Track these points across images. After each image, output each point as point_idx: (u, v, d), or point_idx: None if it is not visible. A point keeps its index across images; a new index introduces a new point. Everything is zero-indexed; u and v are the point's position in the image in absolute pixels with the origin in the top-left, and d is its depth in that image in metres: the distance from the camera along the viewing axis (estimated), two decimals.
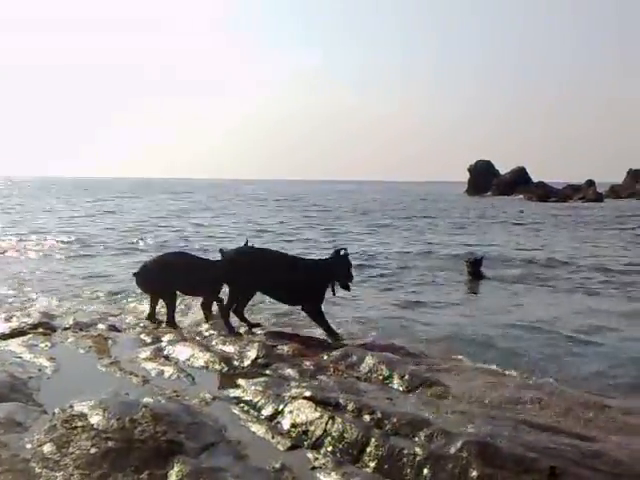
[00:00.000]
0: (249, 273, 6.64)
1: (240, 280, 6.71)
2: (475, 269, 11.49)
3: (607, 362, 6.35)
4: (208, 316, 7.33)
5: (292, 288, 6.82)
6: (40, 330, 6.67)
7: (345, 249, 6.98)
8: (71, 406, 3.99)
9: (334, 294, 6.97)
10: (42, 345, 6.07)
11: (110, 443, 3.57)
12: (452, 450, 3.50)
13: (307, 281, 6.78)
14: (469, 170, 69.08)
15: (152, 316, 7.34)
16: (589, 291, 11.00)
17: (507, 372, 5.70)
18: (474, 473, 3.30)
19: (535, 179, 63.34)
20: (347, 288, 6.89)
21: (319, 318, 6.85)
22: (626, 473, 3.30)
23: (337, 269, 6.82)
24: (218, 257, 6.98)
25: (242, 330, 6.86)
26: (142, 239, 18.87)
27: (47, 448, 3.57)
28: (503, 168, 66.88)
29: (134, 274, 7.37)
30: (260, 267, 6.67)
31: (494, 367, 5.88)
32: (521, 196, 57.26)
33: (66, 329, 6.84)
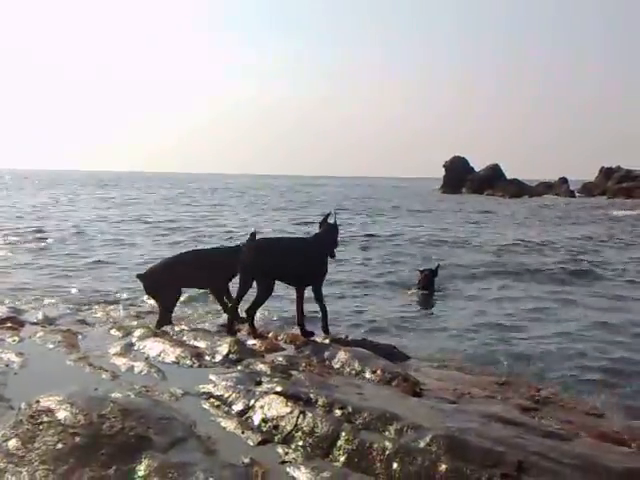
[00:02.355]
0: (279, 261, 6.37)
1: (273, 270, 6.38)
2: (429, 280, 10.59)
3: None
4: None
5: (309, 269, 6.60)
6: (8, 324, 6.57)
7: (331, 214, 6.79)
8: (37, 401, 3.92)
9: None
10: (10, 340, 5.98)
11: (77, 438, 3.52)
12: (421, 444, 3.52)
13: (317, 258, 6.60)
14: (444, 166, 69.35)
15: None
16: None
17: (478, 369, 5.75)
18: (443, 467, 3.31)
19: (509, 176, 63.87)
20: (333, 255, 6.74)
21: (322, 297, 6.65)
22: (591, 468, 3.34)
23: (330, 238, 6.67)
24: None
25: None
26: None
27: (12, 443, 3.51)
28: (479, 165, 67.25)
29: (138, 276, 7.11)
30: (286, 255, 6.47)
31: (465, 364, 5.94)
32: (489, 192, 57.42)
33: (35, 324, 6.75)
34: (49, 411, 3.80)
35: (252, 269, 6.32)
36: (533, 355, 6.56)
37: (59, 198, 39.01)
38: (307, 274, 6.60)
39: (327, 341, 6.22)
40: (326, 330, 6.58)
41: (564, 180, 60.98)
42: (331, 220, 6.75)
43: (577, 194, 57.37)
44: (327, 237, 6.69)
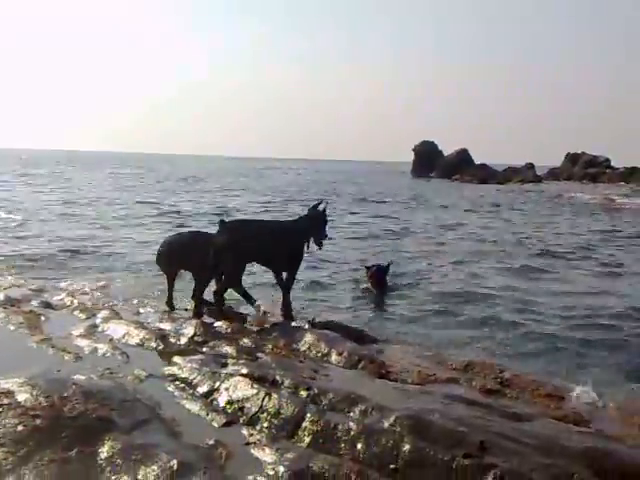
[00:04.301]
0: (255, 243, 6.29)
1: (247, 252, 6.29)
2: (377, 279, 9.03)
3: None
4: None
5: (285, 253, 6.51)
6: None
7: (323, 202, 6.72)
8: None
9: (307, 248, 6.66)
10: None
11: (38, 421, 3.48)
12: (385, 425, 3.55)
13: (292, 243, 6.50)
14: (414, 150, 69.56)
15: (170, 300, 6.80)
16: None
17: (444, 352, 5.77)
18: (406, 447, 3.34)
19: (477, 161, 64.28)
20: (320, 245, 6.65)
21: (291, 285, 6.61)
22: (551, 448, 3.40)
23: (313, 225, 6.57)
24: None
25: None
26: None
27: None
28: (448, 150, 67.51)
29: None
30: (261, 236, 6.38)
31: (431, 347, 5.96)
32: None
33: None
34: (9, 393, 3.75)
35: (225, 250, 6.24)
36: (496, 336, 6.62)
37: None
38: (280, 257, 6.52)
39: (294, 323, 6.22)
40: (289, 317, 6.53)
41: (530, 165, 61.53)
42: (321, 208, 6.67)
43: (544, 180, 58.04)
44: (310, 224, 6.58)
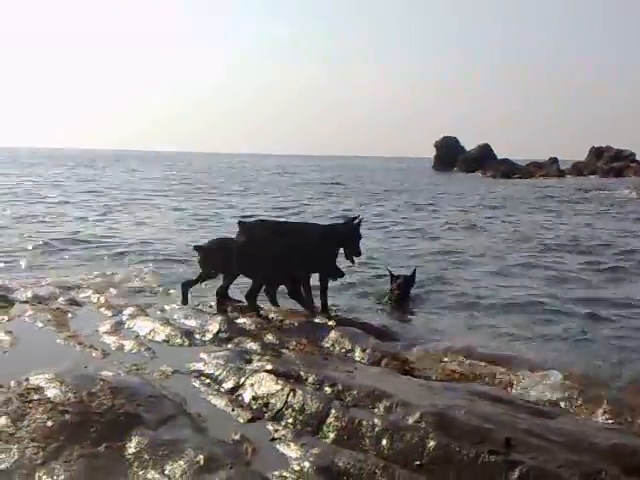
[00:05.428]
0: (274, 243, 6.21)
1: (266, 252, 6.17)
2: (403, 290, 8.28)
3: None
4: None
5: (308, 255, 6.41)
6: None
7: (358, 217, 6.70)
8: (27, 379, 3.94)
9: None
10: None
11: (67, 416, 3.53)
12: (410, 421, 3.55)
13: (316, 245, 6.41)
14: (436, 146, 69.30)
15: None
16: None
17: (467, 348, 5.73)
18: (431, 443, 3.34)
19: (500, 156, 63.82)
20: (352, 261, 6.66)
21: (326, 285, 6.58)
22: (578, 445, 3.37)
23: (343, 235, 6.55)
24: None
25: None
26: None
27: (2, 421, 3.52)
28: (471, 146, 67.15)
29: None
30: (280, 236, 6.31)
31: (455, 343, 5.93)
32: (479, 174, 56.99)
33: (24, 302, 6.72)
34: (39, 389, 3.82)
35: (240, 251, 6.24)
36: (521, 334, 6.58)
37: None
38: (302, 259, 6.45)
39: (317, 320, 6.23)
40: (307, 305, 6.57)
41: (554, 160, 60.93)
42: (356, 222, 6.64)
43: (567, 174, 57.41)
44: (340, 233, 6.57)
